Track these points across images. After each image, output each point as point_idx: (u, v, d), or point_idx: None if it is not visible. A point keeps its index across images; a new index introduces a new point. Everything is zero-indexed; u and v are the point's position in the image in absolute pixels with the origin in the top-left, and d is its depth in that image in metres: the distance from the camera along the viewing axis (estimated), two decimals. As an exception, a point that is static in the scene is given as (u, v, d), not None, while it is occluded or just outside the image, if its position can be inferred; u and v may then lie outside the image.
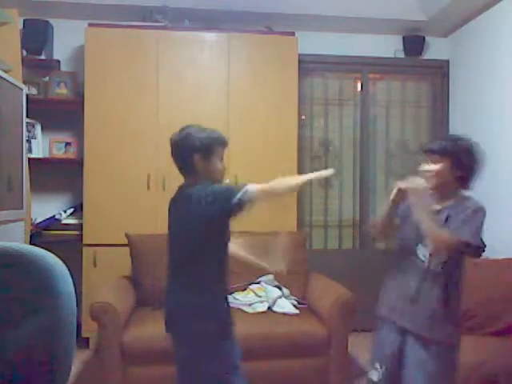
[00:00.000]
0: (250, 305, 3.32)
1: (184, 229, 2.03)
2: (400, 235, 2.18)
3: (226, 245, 2.08)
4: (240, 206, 1.91)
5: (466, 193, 2.10)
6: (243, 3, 4.03)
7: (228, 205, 1.91)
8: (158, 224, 3.73)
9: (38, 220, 3.99)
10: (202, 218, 1.96)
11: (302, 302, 3.42)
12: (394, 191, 2.07)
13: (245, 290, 3.46)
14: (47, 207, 4.10)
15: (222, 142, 2.10)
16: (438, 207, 2.07)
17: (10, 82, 3.00)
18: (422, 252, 2.06)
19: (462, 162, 2.02)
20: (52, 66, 4.12)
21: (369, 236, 4.58)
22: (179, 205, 2.08)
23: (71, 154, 4.13)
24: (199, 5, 4.05)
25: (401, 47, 4.55)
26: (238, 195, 1.90)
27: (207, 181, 2.03)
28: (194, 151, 2.03)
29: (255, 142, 3.99)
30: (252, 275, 3.48)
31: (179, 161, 2.09)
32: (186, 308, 2.03)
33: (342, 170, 4.64)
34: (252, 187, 1.93)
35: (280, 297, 3.38)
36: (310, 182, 2.10)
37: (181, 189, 2.10)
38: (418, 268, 2.06)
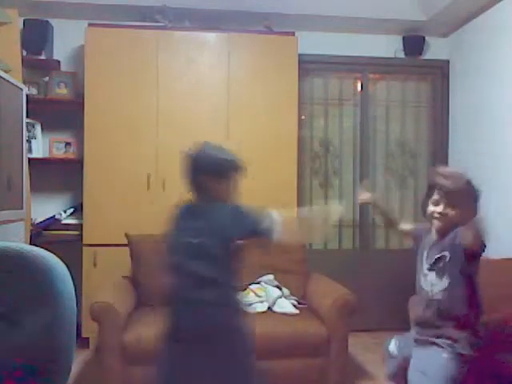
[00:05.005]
0: (249, 305, 3.32)
1: (213, 240, 2.02)
2: None
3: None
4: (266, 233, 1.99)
5: None
6: (243, 3, 4.03)
7: (258, 228, 1.99)
8: (158, 224, 3.71)
9: (38, 220, 3.99)
10: (234, 232, 2.01)
11: (302, 302, 3.42)
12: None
13: (245, 289, 3.46)
14: (47, 207, 4.10)
15: (235, 168, 2.11)
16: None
17: (10, 82, 3.00)
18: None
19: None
20: (52, 66, 4.12)
21: (369, 236, 4.59)
22: (204, 218, 2.06)
23: (71, 154, 4.13)
24: (199, 5, 4.05)
25: (401, 47, 4.55)
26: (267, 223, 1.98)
27: (217, 201, 2.07)
28: (207, 172, 2.06)
29: (255, 142, 3.99)
30: (252, 275, 3.48)
31: (191, 178, 2.10)
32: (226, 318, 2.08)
33: (342, 170, 4.64)
34: (277, 220, 2.00)
35: (280, 297, 3.38)
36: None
37: (196, 205, 2.12)
38: None
